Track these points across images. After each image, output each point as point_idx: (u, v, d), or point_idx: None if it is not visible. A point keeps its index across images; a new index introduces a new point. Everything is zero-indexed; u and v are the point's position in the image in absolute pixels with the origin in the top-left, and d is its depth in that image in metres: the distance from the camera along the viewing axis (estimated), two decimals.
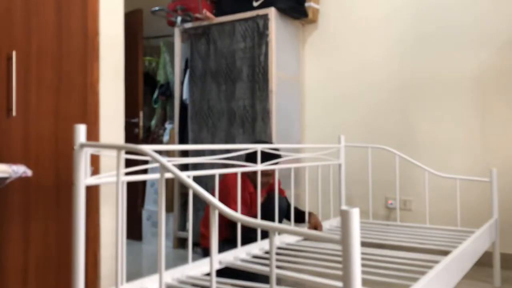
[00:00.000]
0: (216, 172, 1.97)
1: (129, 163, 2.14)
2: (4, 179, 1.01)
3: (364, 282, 1.74)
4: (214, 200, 1.15)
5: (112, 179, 1.49)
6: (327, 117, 3.57)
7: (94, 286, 1.83)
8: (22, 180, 1.75)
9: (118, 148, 1.36)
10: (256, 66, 3.30)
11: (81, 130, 1.39)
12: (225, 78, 3.45)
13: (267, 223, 1.08)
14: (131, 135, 3.86)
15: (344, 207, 0.96)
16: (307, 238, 1.07)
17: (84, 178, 1.38)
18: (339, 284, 1.54)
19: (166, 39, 4.17)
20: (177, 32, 3.68)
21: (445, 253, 2.14)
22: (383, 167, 3.29)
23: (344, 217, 0.96)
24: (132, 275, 2.60)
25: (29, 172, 1.09)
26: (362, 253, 2.09)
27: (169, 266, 2.04)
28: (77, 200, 1.37)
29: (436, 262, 1.89)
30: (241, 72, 3.38)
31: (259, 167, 2.11)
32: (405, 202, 3.21)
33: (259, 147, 2.09)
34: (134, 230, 3.88)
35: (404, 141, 3.25)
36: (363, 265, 1.98)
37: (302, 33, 3.69)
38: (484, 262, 2.80)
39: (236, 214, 1.11)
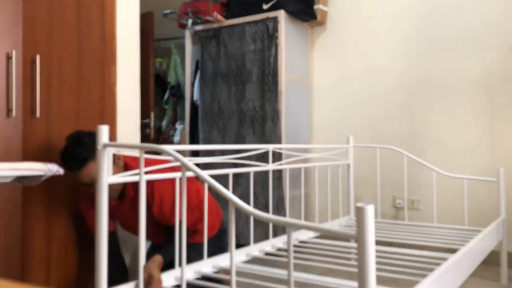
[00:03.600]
0: (230, 171, 2.02)
1: None
2: (40, 176, 1.07)
3: (390, 280, 1.78)
4: (234, 197, 1.20)
5: (134, 178, 1.55)
6: (335, 117, 3.62)
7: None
8: (47, 179, 1.82)
9: (140, 148, 1.42)
10: (266, 67, 3.36)
11: (104, 131, 1.44)
12: (235, 79, 3.51)
13: (283, 219, 1.12)
14: (142, 136, 3.93)
15: (359, 204, 1.01)
16: (323, 234, 1.11)
17: (107, 177, 1.44)
18: (349, 283, 1.59)
19: (177, 41, 4.24)
20: (187, 34, 3.75)
21: (453, 251, 2.18)
22: (391, 167, 3.34)
23: (360, 213, 1.00)
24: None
25: (61, 171, 1.15)
26: (380, 252, 2.14)
27: None
28: (101, 198, 1.42)
29: (444, 259, 1.94)
30: (251, 73, 3.44)
31: (270, 167, 2.16)
32: (412, 202, 3.26)
33: (270, 147, 2.15)
34: None
35: (412, 141, 3.29)
36: (385, 264, 2.01)
37: (311, 35, 3.75)
38: (491, 261, 2.84)
39: (250, 209, 1.16)
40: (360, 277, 0.99)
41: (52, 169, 1.06)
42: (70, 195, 1.95)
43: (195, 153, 3.65)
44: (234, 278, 1.25)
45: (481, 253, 2.23)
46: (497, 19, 3.03)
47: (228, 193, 1.22)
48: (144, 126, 3.97)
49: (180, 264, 1.77)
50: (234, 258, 1.25)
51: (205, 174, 1.30)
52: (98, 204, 1.44)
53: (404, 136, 3.32)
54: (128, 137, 2.28)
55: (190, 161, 1.64)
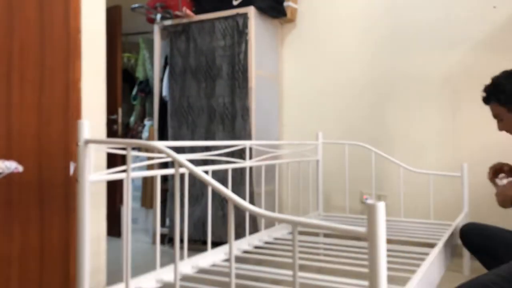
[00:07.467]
0: (210, 168, 2.00)
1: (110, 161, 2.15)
2: None
3: (359, 274, 1.77)
4: (231, 194, 1.13)
5: (117, 175, 1.47)
6: (305, 114, 3.64)
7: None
8: (4, 177, 1.75)
9: (127, 144, 1.35)
10: (236, 64, 3.34)
11: (85, 126, 1.36)
12: (204, 75, 3.48)
13: (290, 217, 1.04)
14: (109, 131, 3.84)
15: (370, 201, 0.95)
16: (331, 232, 1.05)
17: (88, 175, 1.37)
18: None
19: (145, 35, 4.17)
20: (156, 29, 3.68)
21: (427, 245, 2.20)
22: (359, 163, 3.39)
23: (371, 211, 0.93)
24: (113, 272, 2.61)
25: (20, 168, 1.10)
26: (349, 246, 2.15)
27: (148, 261, 2.06)
28: (82, 197, 1.34)
29: (423, 254, 1.95)
30: (220, 69, 3.41)
31: (247, 163, 2.15)
32: (379, 197, 3.32)
33: (247, 144, 2.14)
34: (113, 227, 3.88)
35: (379, 137, 3.35)
36: (354, 258, 2.01)
37: (281, 32, 3.75)
38: (455, 253, 2.92)
39: (256, 209, 1.10)
40: (372, 276, 0.93)
41: (10, 166, 1.02)
42: (33, 193, 1.88)
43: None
44: (233, 269, 1.24)
45: (452, 246, 2.28)
46: (459, 18, 3.11)
47: (227, 191, 1.15)
48: (111, 122, 3.89)
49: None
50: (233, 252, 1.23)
51: (200, 170, 1.25)
52: (79, 203, 1.36)
53: (371, 132, 3.38)
54: (94, 134, 2.22)
55: (188, 158, 1.60)
